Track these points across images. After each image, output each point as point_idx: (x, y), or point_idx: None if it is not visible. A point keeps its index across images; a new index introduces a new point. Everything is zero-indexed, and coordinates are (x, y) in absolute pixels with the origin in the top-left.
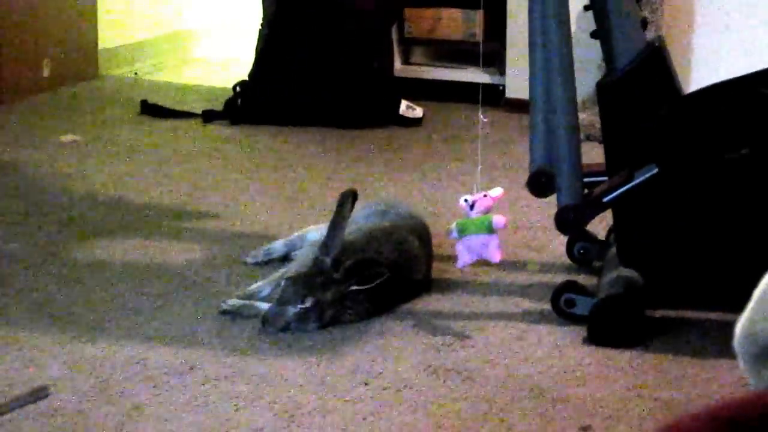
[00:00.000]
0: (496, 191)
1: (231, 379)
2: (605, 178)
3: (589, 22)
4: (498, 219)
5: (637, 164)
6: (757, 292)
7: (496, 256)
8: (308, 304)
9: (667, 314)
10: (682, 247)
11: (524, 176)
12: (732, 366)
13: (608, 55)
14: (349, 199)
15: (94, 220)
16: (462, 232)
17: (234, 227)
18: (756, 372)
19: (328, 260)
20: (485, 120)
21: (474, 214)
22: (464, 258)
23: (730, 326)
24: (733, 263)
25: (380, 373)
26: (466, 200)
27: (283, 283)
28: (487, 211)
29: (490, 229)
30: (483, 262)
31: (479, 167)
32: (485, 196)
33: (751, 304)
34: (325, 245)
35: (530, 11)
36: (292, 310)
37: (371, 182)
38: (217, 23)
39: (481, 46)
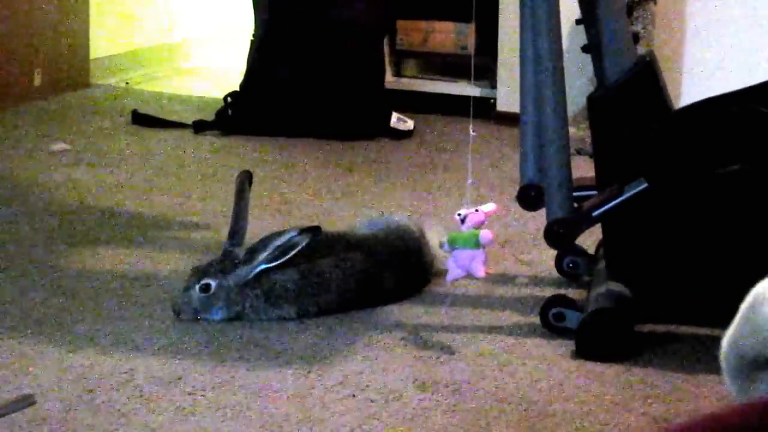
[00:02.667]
0: (489, 206)
1: (218, 390)
2: (595, 193)
3: (581, 36)
4: (485, 234)
5: (627, 179)
6: (743, 307)
7: (480, 272)
8: (212, 289)
9: (656, 329)
10: (671, 261)
11: (514, 189)
12: (720, 381)
13: (599, 70)
14: (246, 182)
15: (82, 229)
16: (452, 245)
17: (223, 237)
18: (741, 387)
19: (231, 246)
20: (474, 134)
21: (464, 229)
22: (453, 272)
23: (718, 341)
24: (722, 278)
25: (368, 385)
26: (459, 214)
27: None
28: (478, 226)
29: (477, 244)
30: (472, 276)
31: (469, 182)
32: (477, 211)
33: (737, 319)
34: (231, 232)
35: (521, 25)
36: (195, 296)
37: (361, 194)
38: (209, 34)
39: (472, 60)
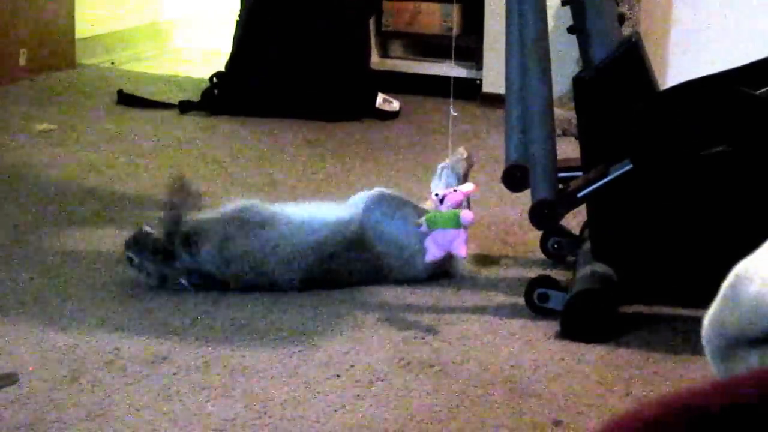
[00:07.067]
0: (467, 186)
1: (203, 370)
2: (580, 174)
3: (567, 17)
4: (466, 214)
5: (612, 160)
6: (724, 286)
7: (462, 251)
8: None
9: (640, 310)
10: (655, 242)
11: (499, 170)
12: (703, 362)
13: (585, 51)
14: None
15: (68, 209)
16: (431, 226)
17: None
18: (723, 366)
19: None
20: (455, 114)
21: (443, 209)
22: (433, 252)
23: (701, 322)
24: (706, 259)
25: (353, 366)
26: (437, 194)
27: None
28: (457, 205)
29: (458, 224)
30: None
31: (448, 161)
32: (455, 191)
33: (718, 298)
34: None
35: (508, 6)
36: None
37: (346, 174)
38: (195, 14)
39: (453, 40)
